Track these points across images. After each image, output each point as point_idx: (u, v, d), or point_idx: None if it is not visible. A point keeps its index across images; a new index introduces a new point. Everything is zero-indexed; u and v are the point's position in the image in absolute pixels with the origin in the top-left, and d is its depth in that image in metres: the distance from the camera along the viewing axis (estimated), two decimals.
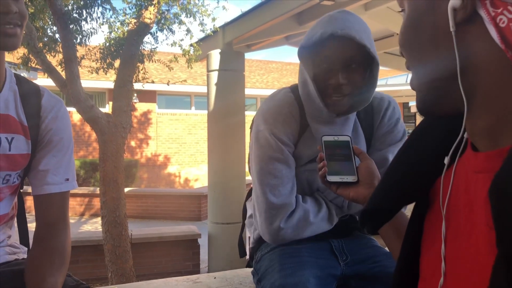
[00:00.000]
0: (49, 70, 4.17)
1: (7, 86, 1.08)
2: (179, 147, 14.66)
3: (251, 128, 1.41)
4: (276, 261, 1.25)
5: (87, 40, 4.35)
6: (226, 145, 5.41)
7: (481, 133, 0.51)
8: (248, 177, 7.66)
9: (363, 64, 1.18)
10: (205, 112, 14.96)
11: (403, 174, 0.66)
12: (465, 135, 0.57)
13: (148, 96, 13.34)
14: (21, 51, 4.86)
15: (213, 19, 5.12)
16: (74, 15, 4.06)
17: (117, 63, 4.80)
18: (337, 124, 1.28)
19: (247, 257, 1.50)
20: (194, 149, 14.79)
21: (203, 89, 13.86)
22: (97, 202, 8.71)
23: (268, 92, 15.37)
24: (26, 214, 1.29)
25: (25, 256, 1.23)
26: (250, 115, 6.12)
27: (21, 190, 1.22)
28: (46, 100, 1.16)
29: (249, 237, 1.46)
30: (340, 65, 1.16)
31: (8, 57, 6.43)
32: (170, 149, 14.50)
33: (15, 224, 1.26)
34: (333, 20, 1.17)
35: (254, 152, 1.30)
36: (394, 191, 0.67)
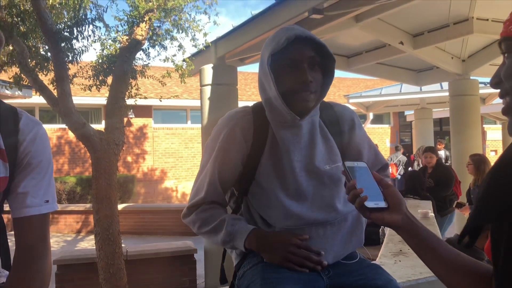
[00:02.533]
0: (41, 89, 4.18)
1: None
2: (175, 161, 14.65)
3: None
4: (258, 277, 1.25)
5: (78, 58, 4.36)
6: None
7: None
8: None
9: (323, 62, 1.31)
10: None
11: (505, 185, 0.69)
12: None
13: (144, 111, 13.36)
14: (14, 69, 4.87)
15: (205, 34, 5.15)
16: (65, 33, 4.08)
17: (109, 79, 4.81)
18: (303, 128, 1.34)
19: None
20: (191, 163, 14.78)
21: (199, 103, 13.90)
22: (92, 219, 8.68)
23: None
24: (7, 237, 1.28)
25: (3, 280, 1.21)
26: None
27: (1, 214, 1.22)
28: (24, 122, 1.15)
29: (232, 254, 1.46)
30: (307, 64, 1.27)
31: (1, 76, 6.43)
32: (166, 164, 14.48)
33: None
34: (291, 29, 1.29)
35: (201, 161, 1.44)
36: (496, 203, 0.70)
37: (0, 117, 1.11)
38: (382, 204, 1.00)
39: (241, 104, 6.92)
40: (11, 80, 4.99)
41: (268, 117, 1.36)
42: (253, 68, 21.40)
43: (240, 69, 6.45)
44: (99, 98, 11.64)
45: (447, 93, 7.96)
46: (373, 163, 1.51)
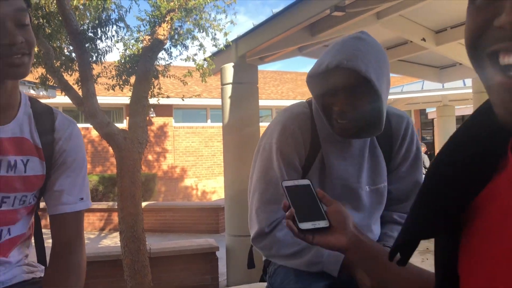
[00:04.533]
0: (66, 89, 4.26)
1: (22, 109, 1.12)
2: (196, 160, 14.74)
3: (261, 138, 1.43)
4: (291, 274, 1.25)
5: (102, 58, 4.43)
6: (242, 157, 5.42)
7: None
8: None
9: (369, 93, 1.17)
10: (221, 124, 15.00)
11: (439, 197, 0.59)
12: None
13: (164, 110, 13.48)
14: (40, 70, 4.98)
15: (226, 34, 5.17)
16: (89, 34, 4.15)
17: (132, 79, 4.87)
18: (351, 145, 1.29)
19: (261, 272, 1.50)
20: (211, 162, 14.85)
21: (219, 102, 13.93)
22: (116, 217, 8.79)
23: (283, 102, 15.39)
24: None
25: (42, 274, 1.25)
26: (265, 126, 6.15)
27: (37, 211, 1.25)
28: (59, 121, 1.19)
29: None
30: (344, 94, 1.18)
31: (28, 76, 6.57)
32: (187, 162, 14.59)
33: (33, 243, 1.29)
34: (343, 49, 1.17)
35: (256, 164, 1.34)
36: (433, 216, 0.60)
37: (37, 116, 1.15)
38: (322, 223, 0.87)
39: (261, 103, 6.89)
40: (36, 81, 5.10)
41: (316, 123, 1.31)
42: (272, 67, 21.35)
43: (259, 67, 6.45)
44: (121, 98, 11.78)
45: (470, 90, 7.82)
46: (402, 191, 1.37)
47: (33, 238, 1.29)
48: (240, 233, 5.30)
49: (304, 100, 1.39)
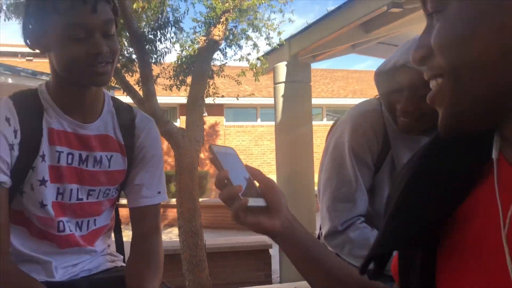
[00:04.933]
0: (128, 89, 4.44)
1: (105, 108, 1.20)
2: (246, 158, 14.89)
3: (331, 135, 1.42)
4: None
5: (161, 59, 4.59)
6: (294, 155, 5.45)
7: None
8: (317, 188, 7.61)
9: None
10: (271, 123, 14.98)
11: (421, 204, 0.56)
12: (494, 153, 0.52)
13: (216, 109, 13.71)
14: None
15: (279, 33, 5.20)
16: (150, 36, 4.31)
17: (189, 79, 5.01)
18: (420, 142, 1.27)
19: None
20: (261, 160, 14.96)
21: (269, 101, 14.01)
22: (170, 213, 9.05)
23: (334, 101, 15.23)
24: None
25: (122, 263, 1.33)
26: (316, 125, 6.15)
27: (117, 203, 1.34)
28: (139, 119, 1.26)
29: None
30: (408, 93, 1.19)
31: None
32: None
33: (112, 234, 1.38)
34: (412, 48, 1.17)
35: (327, 162, 1.34)
36: (411, 227, 0.56)
37: (119, 114, 1.22)
38: (261, 201, 0.75)
39: (314, 101, 6.86)
40: None
41: (385, 120, 1.31)
42: (322, 64, 21.15)
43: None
44: (175, 98, 12.10)
45: None
46: None
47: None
48: None
49: (374, 98, 1.39)
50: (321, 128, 14.39)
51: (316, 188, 6.02)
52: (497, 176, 0.51)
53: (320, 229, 1.50)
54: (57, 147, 1.10)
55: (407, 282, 0.59)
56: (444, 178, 0.55)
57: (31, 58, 17.25)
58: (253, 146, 14.93)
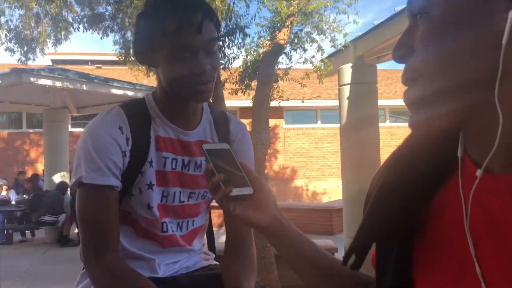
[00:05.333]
0: None
1: (204, 116, 1.26)
2: (306, 160, 14.85)
3: None
4: None
5: (229, 65, 4.71)
6: (361, 157, 5.38)
7: (507, 152, 0.49)
8: None
9: None
10: (332, 125, 14.85)
11: (396, 199, 0.59)
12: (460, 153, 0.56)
13: (276, 112, 13.79)
14: None
15: (345, 35, 5.17)
16: (219, 42, 4.44)
17: (254, 83, 5.09)
18: None
19: None
20: (322, 163, 14.86)
21: (329, 103, 13.92)
22: None
23: (397, 102, 14.84)
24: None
25: (214, 262, 1.40)
26: (381, 127, 6.05)
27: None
28: (233, 125, 1.32)
29: None
30: None
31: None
32: (297, 163, 14.76)
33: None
34: None
35: None
36: (387, 220, 0.59)
37: (216, 121, 1.29)
38: (248, 190, 0.81)
39: (381, 103, 6.70)
40: None
41: None
42: (383, 65, 20.65)
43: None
44: (236, 101, 12.31)
45: None
46: None
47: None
48: None
49: None
50: (384, 130, 14.08)
51: None
52: (461, 173, 0.55)
53: None
54: (163, 153, 1.18)
55: (384, 274, 0.62)
56: (416, 175, 0.58)
57: (100, 65, 18.22)
58: (313, 148, 14.86)
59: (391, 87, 16.65)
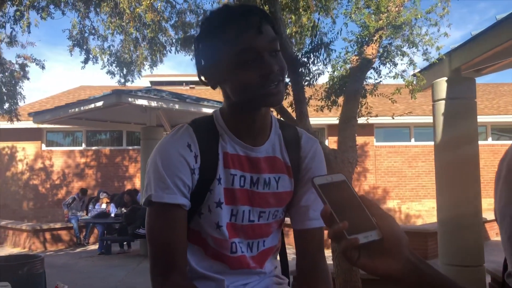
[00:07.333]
0: (282, 111, 4.56)
1: (273, 131, 1.21)
2: (398, 180, 14.17)
3: (502, 160, 1.21)
4: None
5: (314, 81, 4.63)
6: (458, 178, 4.97)
7: None
8: (485, 214, 6.79)
9: None
10: (426, 143, 14.11)
11: None
12: None
13: (365, 129, 13.37)
14: None
15: (438, 48, 4.85)
16: (303, 59, 4.39)
17: (340, 100, 4.95)
18: None
19: None
20: (416, 183, 14.08)
21: (423, 120, 13.21)
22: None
23: (500, 118, 13.71)
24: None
25: (288, 287, 1.32)
26: (480, 145, 5.55)
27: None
28: (304, 141, 1.25)
29: None
30: None
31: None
32: (389, 183, 14.13)
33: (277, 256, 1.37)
34: None
35: (504, 186, 1.11)
36: None
37: (286, 136, 1.23)
38: (375, 235, 0.67)
39: (481, 119, 6.19)
40: None
41: None
42: (483, 78, 19.33)
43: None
44: (323, 118, 12.17)
45: None
46: None
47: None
48: (457, 262, 4.83)
49: None
50: (485, 148, 13.03)
51: (483, 215, 5.38)
52: None
53: (505, 265, 1.29)
54: (231, 170, 1.14)
55: None
56: None
57: (193, 86, 19.13)
58: (406, 167, 14.15)
59: (493, 102, 15.42)
